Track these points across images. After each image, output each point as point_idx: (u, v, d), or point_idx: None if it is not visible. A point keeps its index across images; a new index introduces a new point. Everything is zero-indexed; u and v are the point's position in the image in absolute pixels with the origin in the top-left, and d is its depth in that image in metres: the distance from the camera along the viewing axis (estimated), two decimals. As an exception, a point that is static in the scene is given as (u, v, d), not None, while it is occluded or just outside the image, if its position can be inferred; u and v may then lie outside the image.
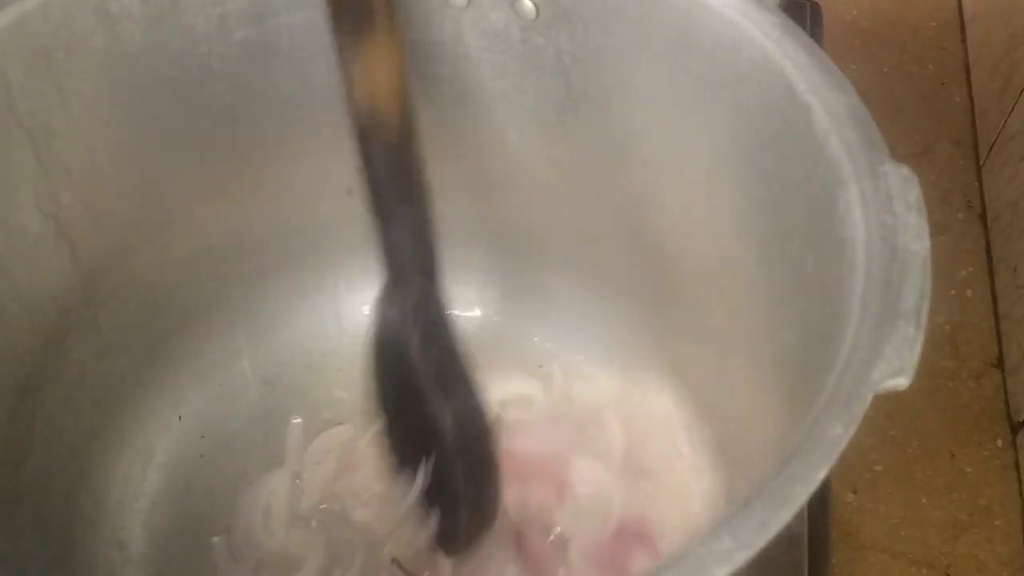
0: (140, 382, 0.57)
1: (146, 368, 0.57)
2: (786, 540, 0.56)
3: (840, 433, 0.29)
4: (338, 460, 0.58)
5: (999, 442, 0.68)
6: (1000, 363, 0.71)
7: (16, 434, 0.49)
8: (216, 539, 0.56)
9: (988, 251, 0.77)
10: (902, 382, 0.30)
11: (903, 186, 0.35)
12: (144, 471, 0.58)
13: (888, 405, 0.68)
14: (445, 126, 0.55)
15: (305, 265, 0.62)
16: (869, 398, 0.30)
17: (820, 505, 0.58)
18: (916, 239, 0.33)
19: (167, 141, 0.51)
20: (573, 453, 0.56)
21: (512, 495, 0.53)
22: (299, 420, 0.60)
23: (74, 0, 0.44)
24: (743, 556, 0.26)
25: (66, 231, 0.49)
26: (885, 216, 0.34)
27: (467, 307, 0.64)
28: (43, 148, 0.46)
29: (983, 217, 0.79)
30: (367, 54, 0.43)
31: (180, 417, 0.60)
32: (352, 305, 0.65)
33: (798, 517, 0.55)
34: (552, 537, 0.55)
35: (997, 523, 0.64)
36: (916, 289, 0.32)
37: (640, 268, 0.55)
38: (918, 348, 0.30)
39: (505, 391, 0.59)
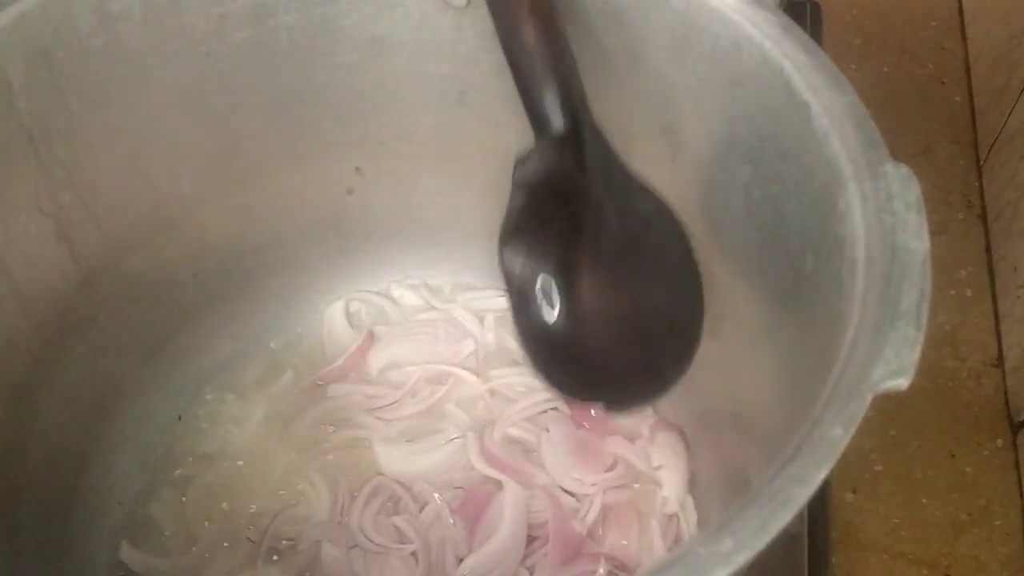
0: (140, 382, 0.57)
1: (146, 368, 0.58)
2: (786, 540, 0.56)
3: (840, 434, 0.29)
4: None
5: (999, 442, 0.68)
6: (1000, 363, 0.71)
7: (16, 434, 0.49)
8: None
9: (988, 251, 0.77)
10: (902, 382, 0.30)
11: (903, 186, 0.35)
12: (144, 471, 0.58)
13: (888, 405, 0.68)
14: (445, 126, 0.55)
15: (305, 265, 0.62)
16: (869, 398, 0.30)
17: (820, 505, 0.59)
18: (916, 238, 0.33)
19: (167, 141, 0.51)
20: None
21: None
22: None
23: (74, 0, 0.44)
24: (743, 557, 0.26)
25: (66, 231, 0.49)
26: (885, 216, 0.34)
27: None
28: (43, 148, 0.46)
29: (983, 217, 0.79)
30: None
31: (180, 417, 0.60)
32: (352, 305, 0.65)
33: (798, 517, 0.56)
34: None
35: (997, 523, 0.64)
36: (916, 289, 0.32)
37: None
38: (918, 348, 0.30)
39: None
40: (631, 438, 0.57)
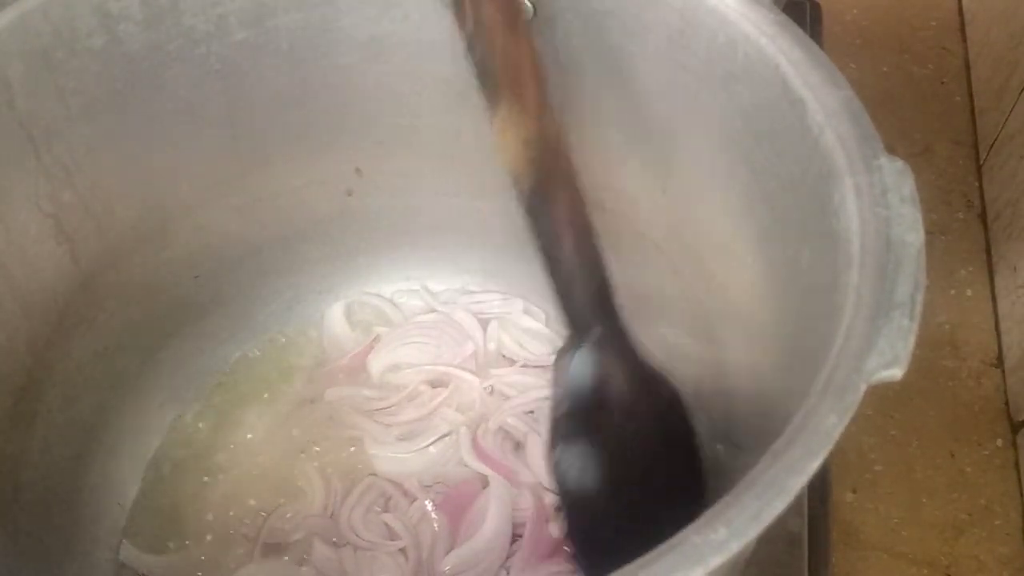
0: (140, 382, 0.58)
1: (146, 368, 0.58)
2: (786, 540, 0.56)
3: (834, 423, 0.29)
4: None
5: (999, 442, 0.68)
6: (1000, 363, 0.71)
7: (16, 434, 0.49)
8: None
9: (988, 251, 0.77)
10: (896, 372, 0.30)
11: (897, 179, 0.35)
12: (144, 471, 0.58)
13: (888, 405, 0.68)
14: (445, 126, 0.56)
15: (305, 265, 0.62)
16: (863, 388, 0.30)
17: (820, 505, 0.58)
18: (910, 231, 0.33)
19: (167, 141, 0.51)
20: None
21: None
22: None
23: (74, 0, 0.44)
24: (737, 545, 0.26)
25: (66, 231, 0.49)
26: (879, 209, 0.34)
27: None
28: (43, 148, 0.46)
29: (983, 217, 0.79)
30: (503, 112, 0.44)
31: (180, 417, 0.60)
32: (352, 305, 0.65)
33: (798, 517, 0.56)
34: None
35: (997, 523, 0.64)
36: (910, 280, 0.32)
37: (636, 264, 0.55)
38: (912, 339, 0.31)
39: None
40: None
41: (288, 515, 0.56)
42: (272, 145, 0.55)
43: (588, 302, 0.45)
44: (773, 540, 0.55)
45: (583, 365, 0.46)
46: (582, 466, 0.47)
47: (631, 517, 0.46)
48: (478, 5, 0.42)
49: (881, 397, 0.67)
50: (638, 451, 0.47)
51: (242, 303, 0.61)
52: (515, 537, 0.55)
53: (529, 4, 0.47)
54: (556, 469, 0.47)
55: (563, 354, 0.46)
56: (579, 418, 0.47)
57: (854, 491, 0.65)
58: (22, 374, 0.49)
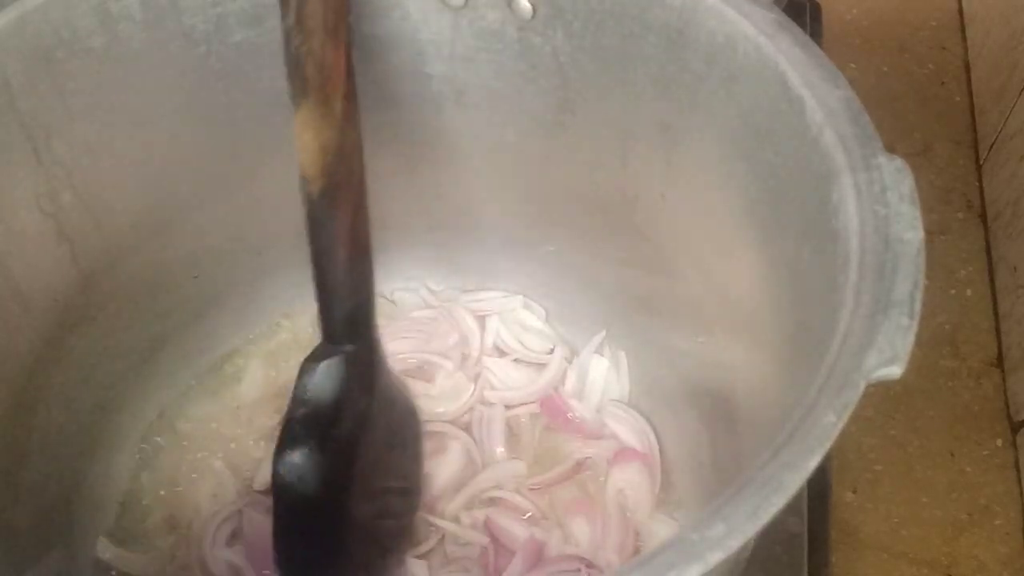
0: (140, 382, 0.58)
1: (146, 368, 0.58)
2: (786, 540, 0.56)
3: (832, 421, 0.29)
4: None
5: (999, 442, 0.68)
6: (1000, 363, 0.71)
7: (16, 434, 0.49)
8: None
9: (988, 251, 0.77)
10: (895, 371, 0.30)
11: (896, 178, 0.35)
12: (144, 471, 0.58)
13: (888, 405, 0.68)
14: (443, 126, 0.56)
15: (305, 265, 0.62)
16: (862, 386, 0.30)
17: (820, 505, 0.58)
18: (909, 229, 0.33)
19: (167, 141, 0.51)
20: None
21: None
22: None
23: (74, 0, 0.44)
24: (735, 542, 0.27)
25: (66, 231, 0.49)
26: (878, 207, 0.34)
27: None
28: (43, 148, 0.46)
29: (983, 216, 0.79)
30: (305, 114, 0.43)
31: (179, 417, 0.60)
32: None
33: (798, 517, 0.56)
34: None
35: (997, 522, 0.64)
36: (909, 278, 0.32)
37: (637, 263, 0.55)
38: (911, 337, 0.31)
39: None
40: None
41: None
42: (272, 145, 0.55)
43: (346, 318, 0.46)
44: (773, 540, 0.56)
45: (328, 376, 0.46)
46: (304, 470, 0.46)
47: (345, 525, 0.47)
48: (302, 2, 0.41)
49: (881, 397, 0.67)
50: (367, 461, 0.47)
51: (241, 303, 0.61)
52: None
53: (529, 4, 0.47)
54: (278, 471, 0.46)
55: (311, 361, 0.46)
56: (311, 423, 0.46)
57: (854, 491, 0.65)
58: (22, 374, 0.49)
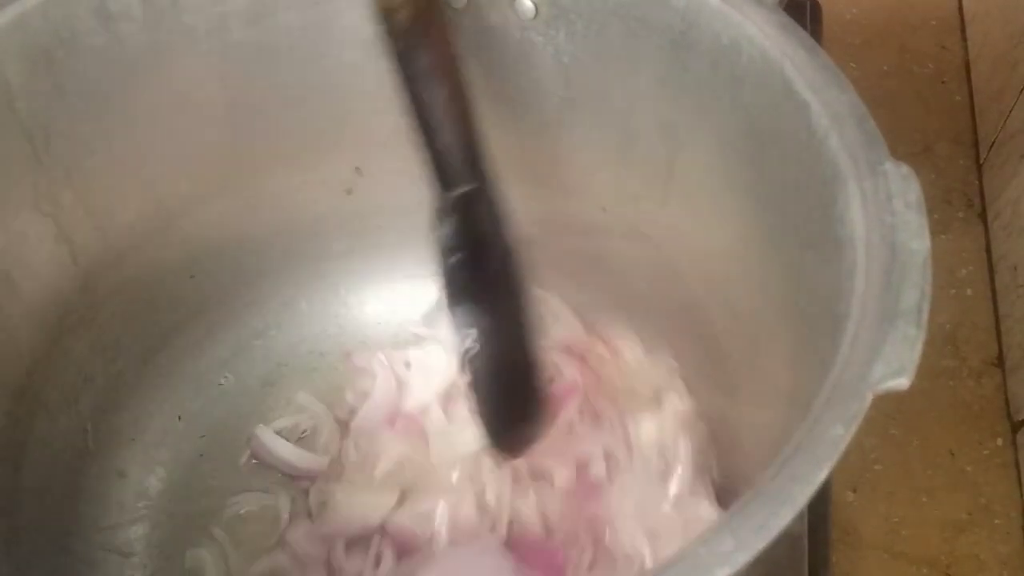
0: (140, 382, 0.57)
1: (146, 368, 0.58)
2: (786, 540, 0.56)
3: (840, 433, 0.29)
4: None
5: (999, 441, 0.68)
6: (1000, 362, 0.71)
7: (16, 434, 0.49)
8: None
9: (988, 250, 0.77)
10: (902, 382, 0.30)
11: (903, 185, 0.35)
12: (144, 472, 0.58)
13: (888, 405, 0.67)
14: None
15: (305, 265, 0.62)
16: (869, 398, 0.30)
17: (820, 505, 0.58)
18: (916, 238, 0.33)
19: (166, 141, 0.51)
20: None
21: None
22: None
23: (74, 0, 0.44)
24: (743, 557, 0.26)
25: (66, 231, 0.49)
26: (885, 215, 0.34)
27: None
28: (43, 148, 0.46)
29: (983, 216, 0.79)
30: None
31: (180, 417, 0.60)
32: (352, 305, 0.65)
33: (798, 517, 0.56)
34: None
35: (997, 522, 0.64)
36: (916, 288, 0.32)
37: (639, 269, 0.55)
38: (919, 347, 0.30)
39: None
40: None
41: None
42: (272, 144, 0.55)
43: (460, 156, 0.45)
44: (773, 540, 0.56)
45: (462, 219, 0.45)
46: (474, 313, 0.46)
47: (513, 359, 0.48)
48: None
49: (881, 397, 0.67)
50: (507, 298, 0.47)
51: (241, 303, 0.61)
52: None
53: (531, 4, 0.47)
54: (457, 321, 0.46)
55: (444, 207, 0.45)
56: (468, 267, 0.46)
57: (854, 491, 0.65)
58: (22, 374, 0.49)
